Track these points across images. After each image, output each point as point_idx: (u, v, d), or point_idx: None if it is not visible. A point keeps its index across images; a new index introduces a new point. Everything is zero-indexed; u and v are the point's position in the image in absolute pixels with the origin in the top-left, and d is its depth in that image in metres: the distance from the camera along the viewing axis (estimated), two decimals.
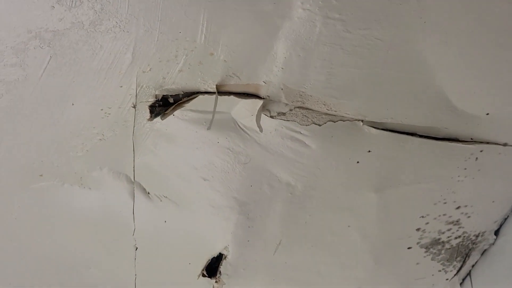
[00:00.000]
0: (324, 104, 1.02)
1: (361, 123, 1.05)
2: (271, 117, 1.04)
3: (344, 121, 1.04)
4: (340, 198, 1.18)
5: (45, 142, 1.08)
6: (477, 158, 1.11)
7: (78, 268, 1.32)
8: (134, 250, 1.27)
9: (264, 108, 1.03)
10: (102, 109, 1.04)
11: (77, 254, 1.30)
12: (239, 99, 1.02)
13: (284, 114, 1.04)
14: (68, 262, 1.32)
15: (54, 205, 1.19)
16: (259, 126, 1.04)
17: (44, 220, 1.23)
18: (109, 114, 1.04)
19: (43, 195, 1.17)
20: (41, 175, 1.14)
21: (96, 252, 1.29)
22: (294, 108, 1.03)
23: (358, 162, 1.11)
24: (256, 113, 1.02)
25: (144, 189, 1.17)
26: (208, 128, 1.05)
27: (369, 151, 1.09)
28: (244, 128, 1.06)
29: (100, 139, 1.08)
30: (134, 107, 1.03)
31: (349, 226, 1.23)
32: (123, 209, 1.19)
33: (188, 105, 1.03)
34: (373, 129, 1.05)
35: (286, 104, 1.02)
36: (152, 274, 1.35)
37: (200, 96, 1.02)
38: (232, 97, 1.02)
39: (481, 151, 1.10)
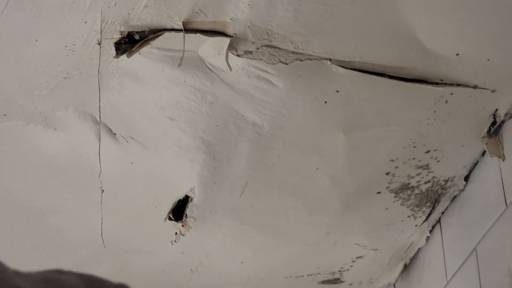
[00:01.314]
0: (291, 42, 1.00)
1: (329, 62, 1.03)
2: (238, 55, 1.02)
3: (311, 60, 1.03)
4: (308, 139, 1.16)
5: (8, 80, 1.06)
6: (447, 101, 1.10)
7: (44, 212, 1.31)
8: (100, 193, 1.26)
9: (231, 47, 1.01)
10: (66, 46, 1.01)
11: (42, 197, 1.28)
12: (206, 37, 1.00)
13: (250, 52, 1.02)
14: (34, 206, 1.30)
15: (19, 146, 1.17)
16: (228, 65, 1.03)
17: (9, 162, 1.21)
18: (74, 51, 1.02)
19: (7, 136, 1.15)
20: (5, 115, 1.12)
21: (62, 195, 1.27)
22: (261, 46, 1.01)
23: (326, 102, 1.10)
24: (223, 51, 1.01)
25: (110, 130, 1.15)
26: (179, 65, 1.02)
27: (337, 91, 1.08)
28: (211, 67, 1.05)
29: (64, 77, 1.06)
30: (99, 44, 1.01)
31: (317, 169, 1.22)
32: (89, 151, 1.17)
33: (154, 43, 1.01)
34: (341, 68, 1.04)
35: (253, 43, 1.01)
36: (118, 218, 1.33)
37: (166, 34, 1.00)
38: (198, 35, 1.00)
39: (451, 94, 1.09)
